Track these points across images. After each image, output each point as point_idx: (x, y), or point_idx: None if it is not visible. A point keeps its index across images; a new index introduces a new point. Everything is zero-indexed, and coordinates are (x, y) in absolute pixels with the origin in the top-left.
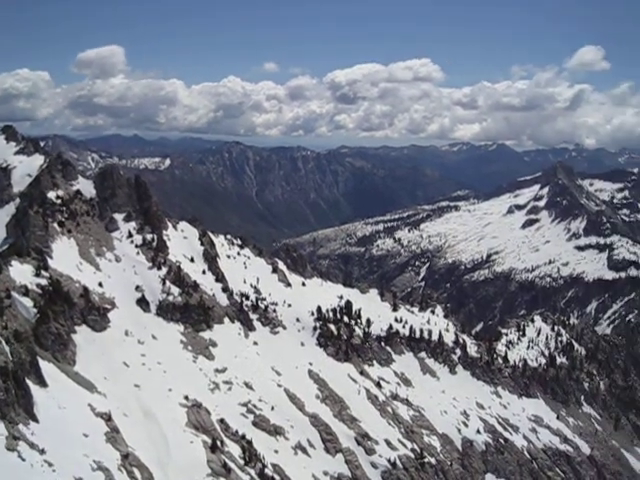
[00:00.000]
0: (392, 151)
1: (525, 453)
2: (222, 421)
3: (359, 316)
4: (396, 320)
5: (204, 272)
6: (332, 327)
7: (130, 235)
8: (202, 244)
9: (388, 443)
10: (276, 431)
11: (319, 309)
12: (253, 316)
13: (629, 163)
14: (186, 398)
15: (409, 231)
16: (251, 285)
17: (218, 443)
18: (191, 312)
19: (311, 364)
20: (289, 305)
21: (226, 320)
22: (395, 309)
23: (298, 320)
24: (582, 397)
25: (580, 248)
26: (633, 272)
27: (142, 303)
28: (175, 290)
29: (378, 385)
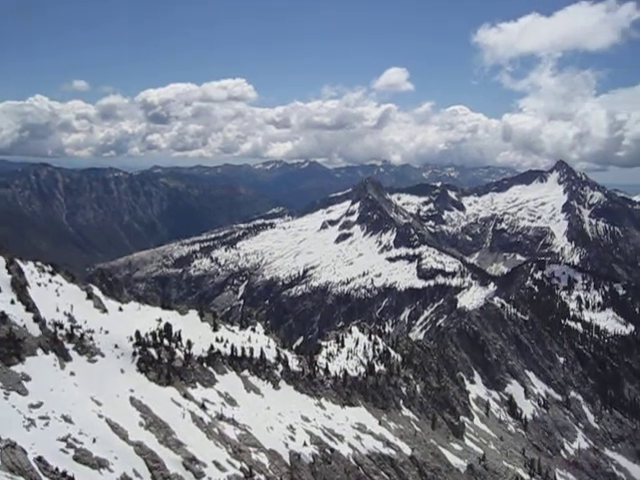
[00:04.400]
0: (206, 170)
1: (351, 460)
2: (40, 459)
3: (179, 338)
4: (217, 340)
5: (13, 302)
6: (152, 351)
7: None
8: (9, 272)
9: (217, 464)
10: (99, 464)
11: (138, 334)
12: (68, 345)
13: (432, 177)
14: None
15: (226, 250)
16: (65, 313)
17: None
18: (0, 345)
19: (132, 391)
20: (106, 332)
21: (39, 352)
22: (215, 329)
23: (117, 346)
24: (401, 401)
25: (391, 259)
26: (441, 279)
27: None
28: None
29: (203, 407)
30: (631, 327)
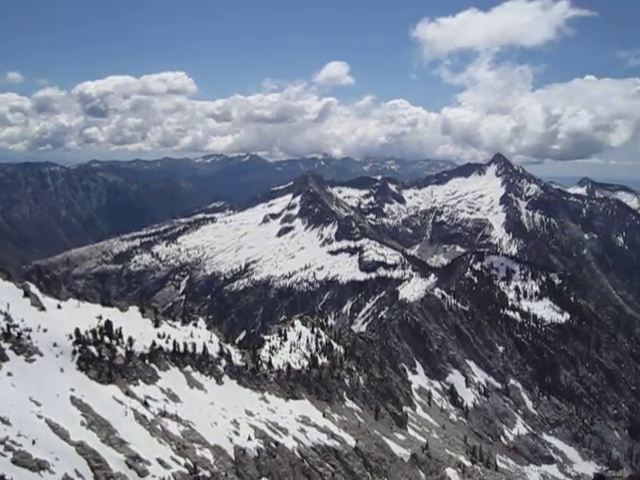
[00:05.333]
0: (146, 164)
1: (296, 453)
2: None
3: (120, 335)
4: (159, 336)
5: None
6: (93, 349)
7: None
8: None
9: (160, 462)
10: (39, 466)
11: (77, 332)
12: (5, 345)
13: (373, 171)
14: None
15: (167, 245)
16: (1, 312)
17: None
18: None
19: (73, 390)
20: (45, 330)
21: None
22: (157, 325)
23: (55, 345)
24: (344, 393)
25: (333, 252)
26: (382, 272)
27: None
28: None
29: (145, 404)
30: (567, 315)
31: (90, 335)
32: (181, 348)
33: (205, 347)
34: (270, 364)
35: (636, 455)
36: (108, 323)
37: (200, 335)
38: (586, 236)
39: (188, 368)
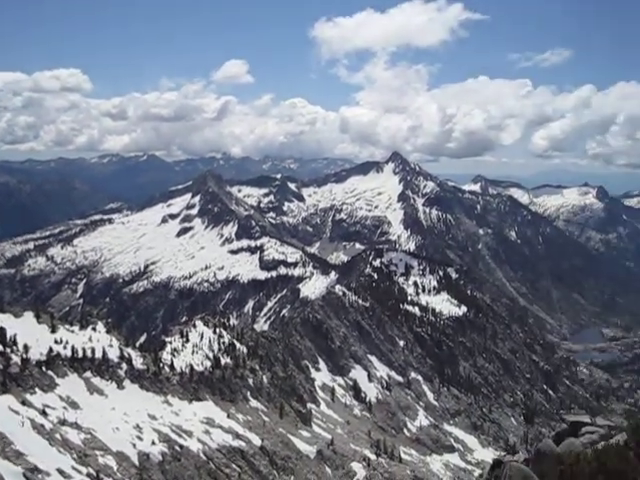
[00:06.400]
0: (38, 165)
1: (201, 455)
2: None
3: (15, 342)
4: (56, 342)
5: None
6: None
7: None
8: None
9: (61, 472)
10: None
11: None
12: None
13: (272, 169)
14: None
15: (62, 248)
16: None
17: None
18: None
19: None
20: None
21: None
22: (54, 330)
23: None
24: (248, 393)
25: (234, 252)
26: (283, 270)
27: None
28: None
29: (43, 413)
30: (464, 308)
31: None
32: (80, 353)
33: (105, 351)
34: (172, 366)
35: (531, 439)
36: (2, 330)
37: (99, 339)
38: (481, 231)
39: (87, 374)
